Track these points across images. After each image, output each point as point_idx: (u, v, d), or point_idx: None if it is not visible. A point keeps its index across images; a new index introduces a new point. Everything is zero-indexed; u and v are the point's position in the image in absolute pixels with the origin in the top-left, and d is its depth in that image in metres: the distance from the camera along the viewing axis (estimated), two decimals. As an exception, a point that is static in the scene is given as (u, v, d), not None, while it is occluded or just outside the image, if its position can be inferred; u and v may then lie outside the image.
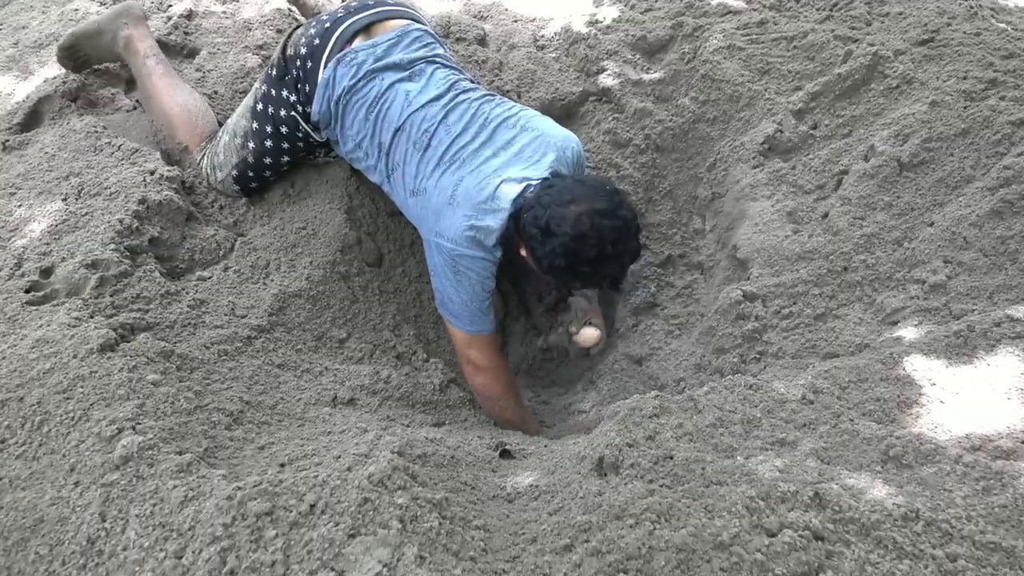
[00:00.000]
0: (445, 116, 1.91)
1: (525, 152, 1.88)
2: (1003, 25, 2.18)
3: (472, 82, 2.06)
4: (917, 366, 1.49)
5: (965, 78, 2.04)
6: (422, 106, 1.92)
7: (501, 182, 1.82)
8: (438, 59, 2.04)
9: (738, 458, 1.34)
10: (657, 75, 2.52)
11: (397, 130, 1.93)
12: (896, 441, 1.32)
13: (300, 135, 2.10)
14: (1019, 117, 1.89)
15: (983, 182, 1.83)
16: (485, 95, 2.01)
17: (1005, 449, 1.28)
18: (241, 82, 2.44)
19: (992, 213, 1.74)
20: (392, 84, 1.95)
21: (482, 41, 2.69)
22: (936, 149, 1.93)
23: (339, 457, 1.38)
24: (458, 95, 1.97)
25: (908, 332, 1.60)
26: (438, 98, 1.94)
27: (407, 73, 1.97)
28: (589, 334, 2.06)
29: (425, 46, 2.03)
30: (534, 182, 1.83)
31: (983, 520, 1.16)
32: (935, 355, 1.50)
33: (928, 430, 1.35)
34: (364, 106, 1.95)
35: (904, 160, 1.93)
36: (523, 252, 1.88)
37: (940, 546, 1.13)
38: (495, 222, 1.81)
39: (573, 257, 1.74)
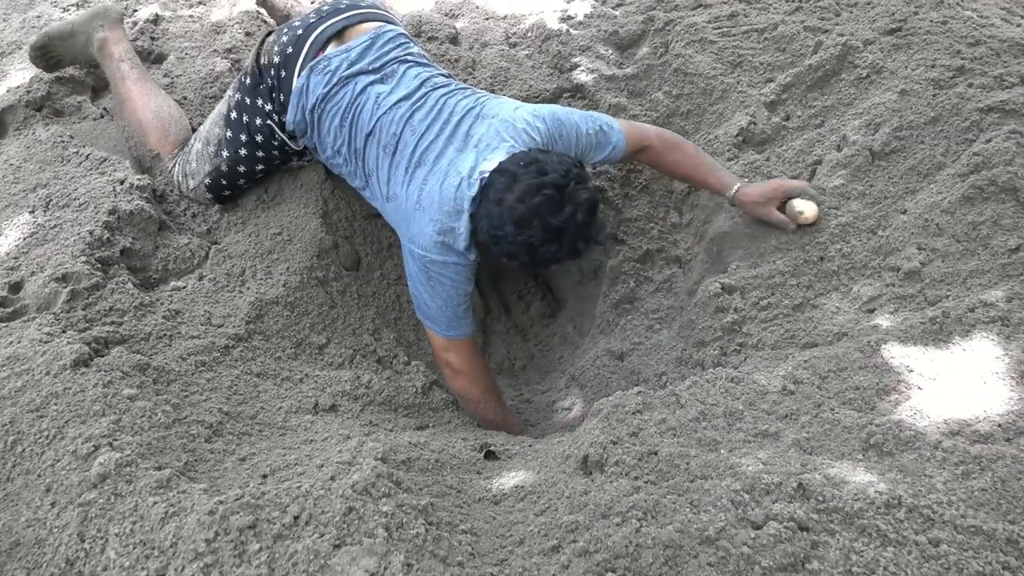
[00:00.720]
0: (411, 116, 1.88)
1: (483, 142, 1.82)
2: (969, 12, 2.20)
3: (446, 77, 2.03)
4: (894, 353, 1.50)
5: (933, 66, 2.06)
6: (390, 108, 1.89)
7: (460, 181, 1.78)
8: (411, 58, 2.00)
9: (722, 451, 1.34)
10: (630, 70, 2.53)
11: (368, 135, 1.90)
12: (876, 429, 1.34)
13: (276, 144, 2.08)
14: (987, 104, 1.91)
15: (953, 169, 1.85)
16: (455, 88, 1.96)
17: (983, 433, 1.30)
18: (210, 87, 2.41)
19: (963, 199, 1.76)
20: (365, 88, 1.92)
21: (454, 40, 2.67)
22: (907, 137, 1.95)
23: (322, 466, 1.36)
24: (427, 92, 1.93)
25: (885, 320, 1.61)
26: (407, 97, 1.91)
27: (379, 75, 1.94)
28: (810, 210, 1.85)
29: (399, 46, 2.01)
30: (487, 175, 1.77)
31: (964, 504, 1.18)
32: (912, 342, 1.51)
33: (907, 417, 1.37)
34: (339, 113, 1.93)
35: (876, 149, 1.95)
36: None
37: (923, 532, 1.15)
38: (460, 226, 1.78)
39: (529, 247, 1.71)
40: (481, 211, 1.74)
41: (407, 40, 2.06)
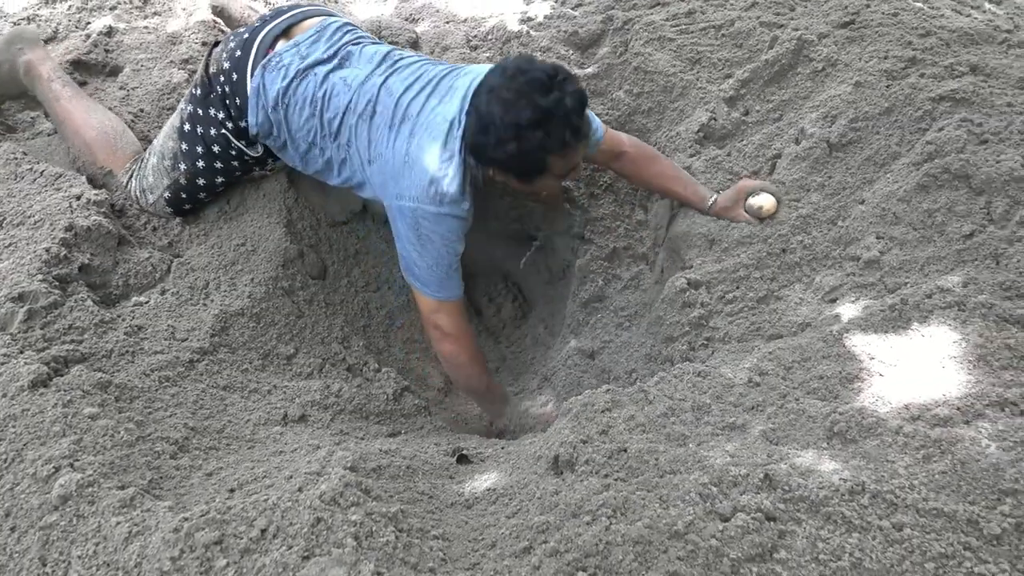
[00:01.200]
0: (385, 81, 1.88)
1: (470, 91, 1.83)
2: (919, 4, 2.24)
3: (410, 51, 2.02)
4: (856, 342, 1.52)
5: (886, 58, 2.09)
6: (361, 83, 1.89)
7: (449, 126, 1.79)
8: (363, 40, 2.02)
9: (690, 445, 1.35)
10: (591, 70, 2.54)
11: (344, 114, 1.90)
12: (840, 417, 1.35)
13: (233, 153, 2.05)
14: (938, 93, 1.94)
15: (908, 158, 1.88)
16: (424, 59, 1.97)
17: (942, 417, 1.32)
18: (167, 98, 2.38)
19: (918, 188, 1.79)
20: (326, 76, 1.92)
21: (415, 44, 2.67)
22: (862, 128, 1.98)
23: (290, 477, 1.35)
24: (396, 60, 1.95)
25: (846, 309, 1.63)
26: (375, 71, 1.92)
27: (337, 61, 1.95)
28: (768, 203, 1.91)
29: (347, 33, 2.02)
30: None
31: (925, 488, 1.20)
32: (872, 330, 1.54)
33: (869, 404, 1.39)
34: (306, 105, 1.92)
35: (833, 141, 1.97)
36: (496, 178, 1.85)
37: (886, 517, 1.16)
38: (452, 169, 1.78)
39: (515, 131, 1.69)
40: (470, 110, 1.75)
41: (354, 27, 2.07)
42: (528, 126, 1.68)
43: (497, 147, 1.72)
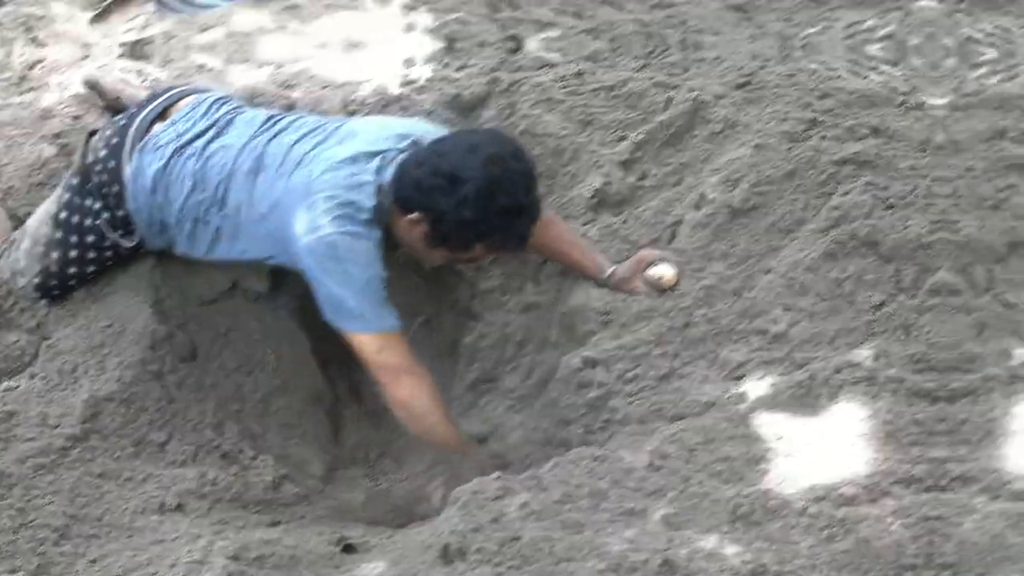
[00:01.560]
0: (273, 138, 1.86)
1: (372, 136, 1.83)
2: (814, 66, 2.26)
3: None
4: (763, 421, 1.51)
5: (785, 120, 2.08)
6: (245, 144, 1.87)
7: (356, 156, 1.76)
8: (243, 109, 2.02)
9: (586, 532, 1.34)
10: (476, 135, 2.50)
11: (229, 177, 1.85)
12: (744, 500, 1.35)
13: (107, 245, 1.99)
14: (841, 156, 1.95)
15: (814, 224, 1.86)
16: (308, 115, 2.01)
17: (848, 496, 1.33)
18: (37, 174, 2.31)
19: (825, 255, 1.77)
20: (205, 147, 1.89)
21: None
22: (766, 192, 1.95)
23: (173, 566, 1.39)
24: (280, 118, 1.94)
25: (753, 386, 1.61)
26: (259, 131, 1.89)
27: (215, 131, 1.91)
28: (668, 273, 1.86)
29: (223, 105, 2.00)
30: (391, 153, 1.77)
31: (827, 567, 1.21)
32: (779, 408, 1.53)
33: (775, 485, 1.39)
34: (187, 179, 1.87)
35: (735, 206, 1.94)
36: (402, 225, 1.78)
37: (787, 598, 1.15)
38: (364, 198, 1.73)
39: (486, 204, 1.65)
40: (437, 150, 1.75)
41: (230, 98, 2.06)
42: (498, 212, 1.68)
43: (455, 206, 1.67)
